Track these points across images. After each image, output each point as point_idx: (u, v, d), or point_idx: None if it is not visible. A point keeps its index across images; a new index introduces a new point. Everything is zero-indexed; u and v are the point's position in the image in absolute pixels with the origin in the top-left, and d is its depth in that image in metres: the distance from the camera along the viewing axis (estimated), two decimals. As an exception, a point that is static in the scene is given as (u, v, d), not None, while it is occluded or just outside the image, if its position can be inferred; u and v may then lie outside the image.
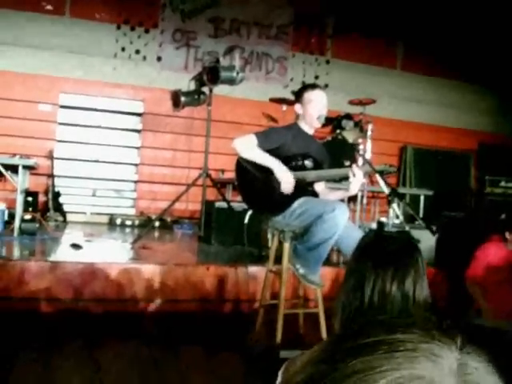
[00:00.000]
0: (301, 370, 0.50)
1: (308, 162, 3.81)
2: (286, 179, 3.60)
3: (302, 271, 3.62)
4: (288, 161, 3.70)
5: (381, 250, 1.78)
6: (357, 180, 3.59)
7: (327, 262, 4.00)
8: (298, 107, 3.84)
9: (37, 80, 7.49)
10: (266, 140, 3.67)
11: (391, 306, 1.68)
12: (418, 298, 1.70)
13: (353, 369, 0.46)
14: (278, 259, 3.77)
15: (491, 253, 4.60)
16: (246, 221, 4.70)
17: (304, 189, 3.73)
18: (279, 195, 3.63)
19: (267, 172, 3.62)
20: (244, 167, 3.72)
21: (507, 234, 4.77)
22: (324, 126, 3.93)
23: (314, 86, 3.92)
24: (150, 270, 4.51)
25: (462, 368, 0.48)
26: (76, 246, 5.19)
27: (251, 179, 3.72)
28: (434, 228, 5.43)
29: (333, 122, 3.89)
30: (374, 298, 1.70)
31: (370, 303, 1.70)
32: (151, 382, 3.19)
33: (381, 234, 2.12)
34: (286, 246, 3.64)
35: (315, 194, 3.90)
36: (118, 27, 8.02)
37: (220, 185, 6.85)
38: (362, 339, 0.50)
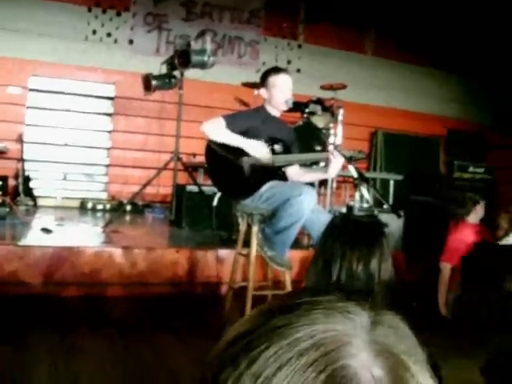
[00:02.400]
0: (232, 329, 0.55)
1: (277, 146, 3.85)
2: (260, 149, 3.65)
3: (270, 254, 3.68)
4: (259, 144, 3.74)
5: (348, 233, 1.85)
6: (336, 163, 3.63)
7: (296, 244, 4.06)
8: (263, 91, 3.88)
9: (5, 63, 7.39)
10: (234, 122, 3.71)
11: (357, 285, 1.75)
12: (382, 278, 1.76)
13: (274, 325, 0.51)
14: (248, 242, 3.81)
15: (465, 233, 4.79)
16: (215, 204, 4.73)
17: (273, 172, 3.77)
18: (248, 178, 3.67)
19: (237, 155, 3.66)
20: (214, 151, 3.76)
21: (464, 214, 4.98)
22: (292, 110, 3.97)
23: (277, 70, 3.95)
24: (121, 254, 4.53)
25: (374, 324, 0.52)
26: (46, 231, 5.18)
27: (221, 163, 3.76)
28: (402, 212, 5.52)
29: (301, 106, 3.94)
30: (341, 277, 1.77)
31: (338, 283, 1.76)
32: (126, 367, 3.21)
33: (348, 217, 2.18)
34: (255, 229, 3.68)
35: (284, 178, 3.94)
36: (89, 10, 7.93)
37: (191, 168, 6.86)
38: (286, 302, 0.55)
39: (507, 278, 1.70)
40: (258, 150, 3.65)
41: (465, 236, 4.79)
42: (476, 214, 5.00)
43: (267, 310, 0.55)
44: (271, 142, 3.82)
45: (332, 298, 0.54)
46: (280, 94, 3.81)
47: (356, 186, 6.14)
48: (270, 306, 0.56)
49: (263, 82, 3.90)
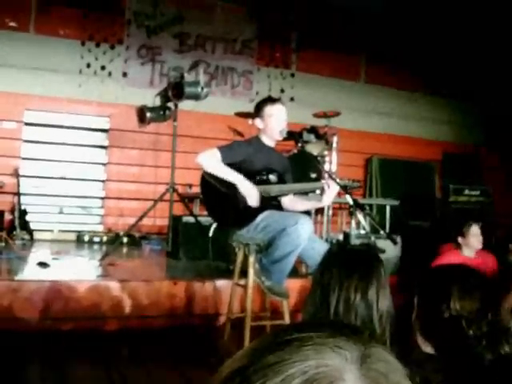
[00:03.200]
0: (227, 365, 0.56)
1: (272, 176, 3.86)
2: (251, 193, 3.65)
3: (267, 284, 3.66)
4: (252, 175, 3.74)
5: (345, 262, 1.85)
6: (331, 192, 3.64)
7: (293, 273, 4.05)
8: (258, 122, 3.89)
9: (1, 97, 7.44)
10: (229, 154, 3.72)
11: (355, 315, 1.74)
12: (381, 307, 1.76)
13: (268, 362, 0.51)
14: (245, 272, 3.80)
15: (447, 261, 4.68)
16: (211, 234, 4.73)
17: (268, 202, 3.77)
18: (243, 209, 3.67)
19: (231, 186, 3.66)
20: (208, 182, 3.76)
21: (460, 239, 4.90)
22: (286, 139, 3.98)
23: (273, 101, 3.97)
24: (118, 287, 4.51)
25: (364, 358, 0.53)
26: (43, 265, 5.16)
27: (216, 193, 3.76)
28: (397, 238, 5.53)
29: (295, 135, 3.95)
30: (339, 308, 1.76)
31: (336, 313, 1.76)
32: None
33: (345, 246, 2.19)
34: (251, 259, 3.68)
35: (280, 207, 3.94)
36: (83, 43, 8.00)
37: (187, 199, 6.86)
38: (278, 338, 0.55)
39: (452, 298, 1.69)
40: (248, 193, 3.65)
41: (449, 261, 4.69)
42: (472, 238, 4.95)
43: (261, 346, 0.56)
44: (266, 171, 3.83)
45: (322, 333, 0.55)
46: (275, 124, 3.83)
47: (351, 214, 6.15)
48: (263, 342, 0.56)
49: (258, 112, 3.91)
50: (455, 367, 1.56)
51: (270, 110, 3.85)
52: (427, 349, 1.71)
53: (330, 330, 0.56)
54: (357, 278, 1.78)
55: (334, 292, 1.77)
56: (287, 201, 3.98)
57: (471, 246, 4.92)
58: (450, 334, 1.64)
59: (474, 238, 4.92)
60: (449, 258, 4.76)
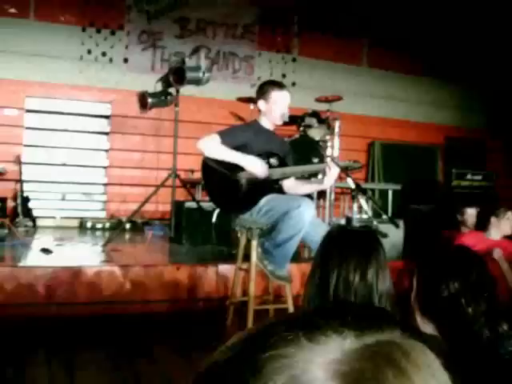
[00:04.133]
0: (213, 355, 0.54)
1: (273, 160, 3.86)
2: (257, 166, 3.65)
3: (270, 267, 3.67)
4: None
5: (344, 243, 1.85)
6: (332, 174, 3.64)
7: (296, 257, 4.05)
8: (261, 104, 3.87)
9: (1, 84, 7.42)
10: (229, 138, 3.71)
11: (355, 296, 1.74)
12: (380, 287, 1.76)
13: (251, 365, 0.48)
14: (248, 257, 3.81)
15: (470, 244, 4.67)
16: (214, 219, 4.75)
17: (270, 186, 3.77)
18: (245, 193, 3.67)
19: (233, 170, 3.67)
20: (210, 167, 3.76)
21: (492, 220, 4.89)
22: (288, 123, 3.98)
23: (280, 86, 3.93)
24: (121, 272, 4.52)
25: (343, 356, 0.47)
26: (46, 251, 5.17)
27: (218, 178, 3.76)
28: (400, 222, 5.53)
29: (297, 120, 3.94)
30: (338, 289, 1.77)
31: (335, 294, 1.76)
32: (126, 381, 3.20)
33: (344, 227, 2.19)
34: (254, 243, 3.68)
35: (281, 191, 3.94)
36: (84, 29, 7.97)
37: (190, 185, 6.86)
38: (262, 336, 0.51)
39: (450, 280, 1.70)
40: (254, 165, 3.66)
41: (474, 242, 4.68)
42: (505, 221, 4.95)
43: (244, 341, 0.53)
44: (266, 155, 3.82)
45: (304, 332, 0.50)
46: (279, 110, 3.82)
47: (353, 198, 6.14)
48: (248, 336, 0.53)
49: (262, 94, 3.88)
50: (455, 348, 1.56)
51: (277, 95, 3.82)
52: (426, 329, 1.72)
53: (313, 325, 0.51)
54: (356, 259, 1.78)
55: (333, 273, 1.77)
56: (289, 184, 3.98)
57: (502, 229, 4.93)
58: (448, 312, 1.65)
59: (507, 222, 4.93)
60: (473, 239, 4.73)
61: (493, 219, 4.87)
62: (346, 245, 1.85)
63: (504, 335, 1.62)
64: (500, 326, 1.63)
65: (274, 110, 3.81)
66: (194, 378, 0.52)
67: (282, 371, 0.46)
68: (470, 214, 5.59)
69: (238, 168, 3.69)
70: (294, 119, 3.96)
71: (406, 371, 0.47)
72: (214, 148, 3.68)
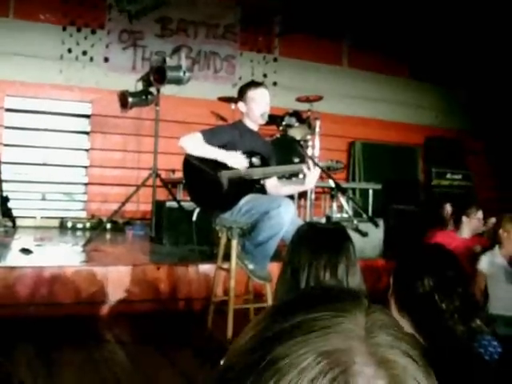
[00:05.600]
0: (232, 356, 0.56)
1: (255, 160, 3.87)
2: (237, 159, 3.67)
3: (250, 267, 3.68)
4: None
5: (313, 241, 1.86)
6: (313, 175, 3.66)
7: (276, 257, 4.06)
8: (241, 105, 3.90)
9: (-20, 83, 7.37)
10: (212, 137, 3.73)
11: None
12: (351, 284, 1.78)
13: (278, 356, 0.51)
14: (228, 256, 3.81)
15: (443, 242, 4.71)
16: (194, 218, 4.75)
17: (251, 185, 3.78)
18: (226, 192, 3.68)
19: (215, 169, 3.67)
20: (191, 165, 3.77)
21: (464, 219, 4.96)
22: (269, 123, 3.99)
23: (256, 84, 3.98)
24: (101, 272, 4.51)
25: (368, 331, 0.54)
26: (26, 251, 5.14)
27: (198, 177, 3.77)
28: (379, 221, 5.58)
29: (276, 119, 3.96)
30: (309, 285, 1.78)
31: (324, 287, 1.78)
32: (105, 380, 3.20)
33: (313, 225, 2.20)
34: (234, 242, 3.69)
35: (263, 191, 3.96)
36: (64, 29, 7.93)
37: (171, 185, 6.85)
38: (282, 324, 0.55)
39: (425, 277, 1.74)
40: (236, 161, 3.67)
41: (444, 241, 4.76)
42: (476, 221, 5.03)
43: (265, 334, 0.55)
44: (249, 155, 3.83)
45: (325, 314, 0.55)
46: (258, 108, 3.83)
47: (333, 197, 6.18)
48: (267, 329, 0.56)
49: (242, 95, 3.91)
50: (431, 344, 1.59)
51: (253, 93, 3.85)
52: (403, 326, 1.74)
53: (326, 307, 0.56)
54: (325, 256, 1.80)
55: (303, 271, 1.79)
56: (271, 185, 4.00)
57: (473, 228, 5.02)
58: (423, 308, 1.68)
59: (477, 222, 5.02)
60: (445, 238, 4.81)
61: (464, 218, 4.96)
62: (316, 242, 1.86)
63: (477, 330, 1.66)
64: (473, 322, 1.66)
65: (253, 109, 3.83)
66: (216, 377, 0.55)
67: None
68: (450, 209, 5.71)
69: (219, 167, 3.70)
70: (274, 119, 3.97)
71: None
72: (196, 146, 3.70)
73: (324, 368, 0.50)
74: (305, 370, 0.50)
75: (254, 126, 3.94)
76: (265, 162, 3.90)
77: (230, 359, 0.56)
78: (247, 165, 3.70)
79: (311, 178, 3.67)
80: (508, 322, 3.97)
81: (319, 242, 1.87)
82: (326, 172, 3.69)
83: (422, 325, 1.68)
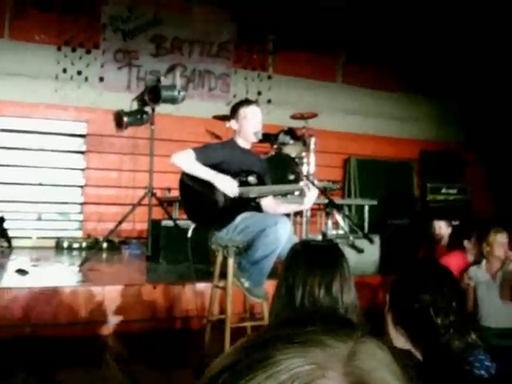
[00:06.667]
0: (215, 364, 0.57)
1: (252, 178, 3.87)
2: (227, 185, 3.66)
3: (247, 285, 3.68)
4: (231, 176, 3.75)
5: (308, 258, 1.88)
6: (311, 195, 3.67)
7: (273, 275, 4.06)
8: (233, 123, 3.91)
9: (-26, 104, 7.39)
10: (204, 155, 3.74)
11: (320, 309, 1.77)
12: (345, 300, 1.79)
13: (254, 359, 0.53)
14: (225, 274, 3.81)
15: (452, 264, 4.69)
16: (189, 235, 4.75)
17: (247, 204, 3.79)
18: (222, 210, 3.68)
19: (209, 187, 3.68)
20: (187, 183, 3.77)
21: (465, 243, 4.95)
22: (262, 141, 4.00)
23: (248, 102, 3.99)
24: (98, 292, 4.50)
25: (352, 354, 0.54)
26: (22, 272, 5.12)
27: (194, 195, 3.77)
28: (374, 237, 5.59)
29: (270, 137, 3.98)
30: (304, 303, 1.79)
31: (301, 309, 1.79)
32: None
33: (308, 243, 2.21)
34: (230, 261, 3.69)
35: (259, 209, 3.96)
36: (59, 49, 7.96)
37: (166, 203, 6.85)
38: (265, 335, 0.57)
39: (420, 292, 1.77)
40: (222, 183, 3.66)
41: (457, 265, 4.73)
42: (439, 233, 5.07)
43: (249, 344, 0.57)
44: (244, 174, 3.84)
45: (310, 329, 0.56)
46: (250, 126, 3.84)
47: (328, 214, 6.19)
48: (252, 340, 0.58)
49: (233, 113, 3.93)
50: (427, 359, 1.60)
51: (245, 111, 3.86)
52: (399, 342, 1.75)
53: (319, 325, 0.57)
54: (320, 274, 1.82)
55: (298, 288, 1.81)
56: (268, 203, 4.00)
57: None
58: (419, 323, 1.69)
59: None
60: (456, 261, 4.74)
61: (466, 244, 4.94)
62: (310, 260, 1.88)
63: (473, 345, 1.67)
64: (469, 336, 1.67)
65: (246, 126, 3.84)
66: (203, 381, 0.57)
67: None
68: (438, 226, 5.73)
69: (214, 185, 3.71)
70: (268, 137, 3.98)
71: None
72: (188, 163, 3.71)
73: (294, 375, 0.51)
74: (277, 373, 0.51)
75: (246, 144, 3.95)
76: (260, 181, 3.90)
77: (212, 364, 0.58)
78: (236, 189, 3.69)
79: (310, 197, 3.68)
80: (497, 334, 4.01)
81: (313, 259, 1.88)
82: (324, 193, 3.70)
83: (418, 340, 1.70)
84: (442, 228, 5.77)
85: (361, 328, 0.59)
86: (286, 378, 0.50)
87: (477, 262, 4.58)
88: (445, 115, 10.22)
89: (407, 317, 1.74)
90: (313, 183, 3.68)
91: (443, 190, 8.75)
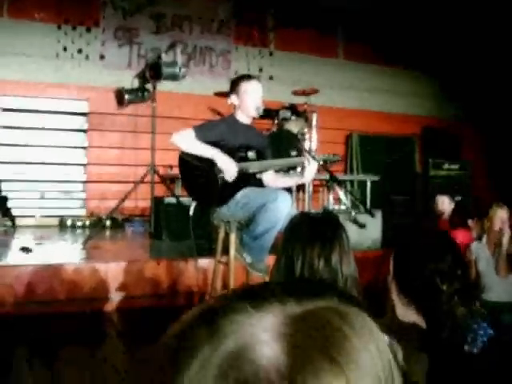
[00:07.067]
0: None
1: (251, 153, 3.88)
2: (228, 167, 3.67)
3: (248, 260, 3.70)
4: (231, 153, 3.75)
5: (307, 230, 1.88)
6: (311, 168, 3.68)
7: (275, 249, 4.09)
8: (233, 98, 3.90)
9: (-25, 83, 7.38)
10: (204, 132, 3.74)
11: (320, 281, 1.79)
12: (345, 271, 1.80)
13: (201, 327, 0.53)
14: (227, 250, 3.84)
15: (457, 241, 4.72)
16: (191, 213, 4.76)
17: (247, 179, 3.80)
18: (222, 186, 3.69)
19: (209, 164, 3.68)
20: (186, 161, 3.78)
21: (470, 222, 5.01)
22: (263, 117, 4.00)
23: (249, 77, 3.99)
24: (102, 269, 4.53)
25: (287, 323, 0.51)
26: (26, 250, 5.16)
27: (194, 172, 3.78)
28: (379, 212, 5.60)
29: (271, 113, 3.97)
30: (303, 275, 1.80)
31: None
32: (104, 375, 3.22)
33: (306, 214, 2.22)
34: (232, 236, 3.71)
35: (260, 184, 3.97)
36: (59, 27, 7.93)
37: (169, 180, 6.87)
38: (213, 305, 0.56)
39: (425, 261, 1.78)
40: (224, 164, 3.66)
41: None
42: (441, 207, 5.10)
43: (198, 313, 0.56)
44: (244, 149, 3.84)
45: (250, 301, 0.54)
46: (251, 101, 3.84)
47: (329, 189, 6.20)
48: (201, 308, 0.57)
49: (234, 88, 3.92)
50: (431, 326, 1.62)
51: (245, 86, 3.86)
52: (401, 311, 1.76)
53: (280, 286, 0.57)
54: (319, 245, 1.82)
55: (297, 259, 1.82)
56: (269, 178, 4.01)
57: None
58: (424, 290, 1.70)
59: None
60: (462, 238, 4.81)
61: (470, 223, 5.00)
62: (309, 231, 1.88)
63: (477, 312, 1.69)
64: (473, 304, 1.69)
65: (246, 101, 3.84)
66: (154, 351, 0.56)
67: (231, 335, 0.50)
68: (441, 201, 5.76)
69: (214, 161, 3.71)
70: (269, 113, 3.98)
71: (343, 332, 0.51)
72: (189, 142, 3.71)
73: (236, 345, 0.50)
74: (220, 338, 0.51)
75: (246, 120, 3.94)
76: (260, 156, 3.91)
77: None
78: (235, 171, 3.69)
79: (310, 171, 3.69)
80: (497, 307, 4.05)
81: (312, 230, 1.89)
82: (325, 165, 3.70)
83: (423, 307, 1.71)
84: (445, 203, 5.81)
85: (339, 292, 0.57)
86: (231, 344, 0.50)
87: (479, 238, 4.61)
88: (445, 93, 10.18)
89: (412, 285, 1.76)
90: (313, 157, 3.68)
91: (445, 166, 8.75)
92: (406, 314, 1.74)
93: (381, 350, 0.53)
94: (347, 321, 0.53)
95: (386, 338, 0.56)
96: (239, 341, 0.50)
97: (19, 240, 6.05)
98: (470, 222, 5.08)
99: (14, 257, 5.11)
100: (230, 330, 0.51)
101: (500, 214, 4.44)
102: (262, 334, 0.50)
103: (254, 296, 0.55)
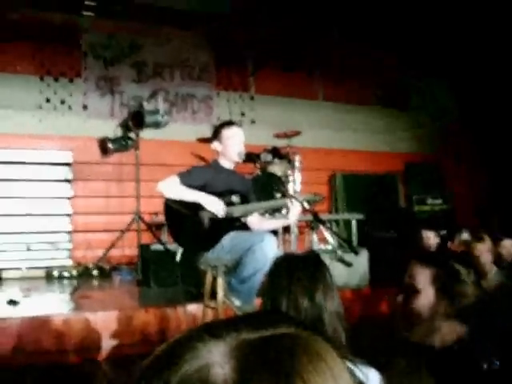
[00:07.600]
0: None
1: (235, 198, 3.93)
2: (215, 205, 3.71)
3: (237, 303, 3.72)
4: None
5: (290, 269, 1.93)
6: (295, 209, 3.73)
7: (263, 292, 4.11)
8: (216, 144, 3.98)
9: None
10: (189, 178, 3.79)
11: (305, 318, 1.82)
12: (329, 307, 1.84)
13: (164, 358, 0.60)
14: (215, 294, 3.84)
15: None
16: (178, 259, 4.79)
17: (233, 223, 3.84)
18: (207, 231, 3.73)
19: (194, 209, 3.72)
20: (172, 208, 3.82)
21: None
22: (246, 161, 4.07)
23: (230, 124, 4.07)
24: (91, 319, 4.51)
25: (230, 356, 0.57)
26: (13, 302, 5.12)
27: (179, 218, 3.81)
28: (364, 250, 5.63)
29: (252, 157, 4.04)
30: (289, 313, 1.83)
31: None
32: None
33: (289, 254, 2.27)
34: (220, 280, 3.73)
35: (245, 227, 4.01)
36: (41, 78, 8.01)
37: (155, 227, 6.87)
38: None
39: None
40: (211, 203, 3.71)
41: None
42: (427, 243, 5.15)
43: (166, 346, 0.62)
44: (229, 193, 3.89)
45: (208, 330, 0.60)
46: (233, 147, 3.91)
47: (313, 228, 6.24)
48: (169, 342, 0.63)
49: (216, 136, 3.99)
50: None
51: (227, 132, 3.93)
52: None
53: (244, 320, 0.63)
54: (303, 283, 1.86)
55: (282, 299, 1.85)
56: (254, 221, 4.05)
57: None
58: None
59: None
60: None
61: (450, 244, 5.05)
62: (292, 269, 1.92)
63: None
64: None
65: (228, 148, 3.91)
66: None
67: (190, 361, 0.56)
68: (427, 236, 5.81)
69: (199, 207, 3.76)
70: (251, 157, 4.05)
71: (297, 356, 0.56)
72: (173, 189, 3.76)
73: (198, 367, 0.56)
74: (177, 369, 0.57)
75: (229, 165, 4.01)
76: (244, 199, 3.96)
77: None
78: (224, 208, 3.74)
79: (293, 212, 3.74)
80: None
81: (295, 269, 1.93)
82: (304, 206, 3.75)
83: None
84: (431, 238, 5.86)
85: (331, 330, 0.63)
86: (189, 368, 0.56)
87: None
88: (424, 128, 10.33)
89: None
90: (295, 198, 3.74)
91: (429, 201, 8.84)
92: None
93: (336, 376, 0.57)
94: (302, 346, 0.57)
95: (346, 364, 0.60)
96: (195, 364, 0.56)
97: (6, 293, 6.00)
98: (449, 244, 5.14)
99: (1, 310, 5.06)
100: (189, 356, 0.57)
101: (479, 248, 4.46)
102: (217, 357, 0.56)
103: (213, 327, 0.61)
